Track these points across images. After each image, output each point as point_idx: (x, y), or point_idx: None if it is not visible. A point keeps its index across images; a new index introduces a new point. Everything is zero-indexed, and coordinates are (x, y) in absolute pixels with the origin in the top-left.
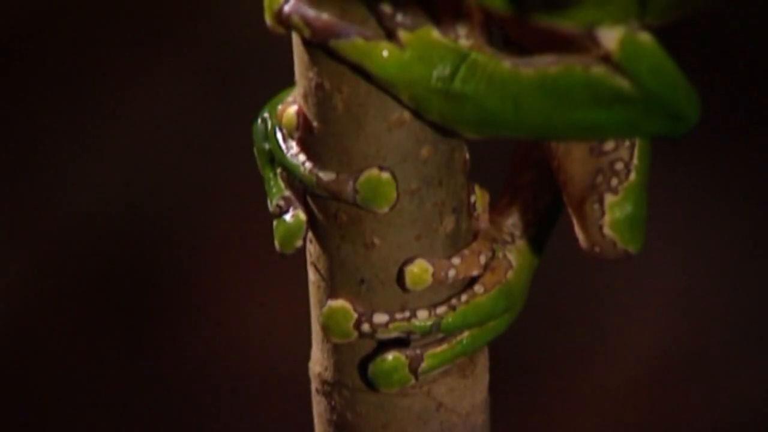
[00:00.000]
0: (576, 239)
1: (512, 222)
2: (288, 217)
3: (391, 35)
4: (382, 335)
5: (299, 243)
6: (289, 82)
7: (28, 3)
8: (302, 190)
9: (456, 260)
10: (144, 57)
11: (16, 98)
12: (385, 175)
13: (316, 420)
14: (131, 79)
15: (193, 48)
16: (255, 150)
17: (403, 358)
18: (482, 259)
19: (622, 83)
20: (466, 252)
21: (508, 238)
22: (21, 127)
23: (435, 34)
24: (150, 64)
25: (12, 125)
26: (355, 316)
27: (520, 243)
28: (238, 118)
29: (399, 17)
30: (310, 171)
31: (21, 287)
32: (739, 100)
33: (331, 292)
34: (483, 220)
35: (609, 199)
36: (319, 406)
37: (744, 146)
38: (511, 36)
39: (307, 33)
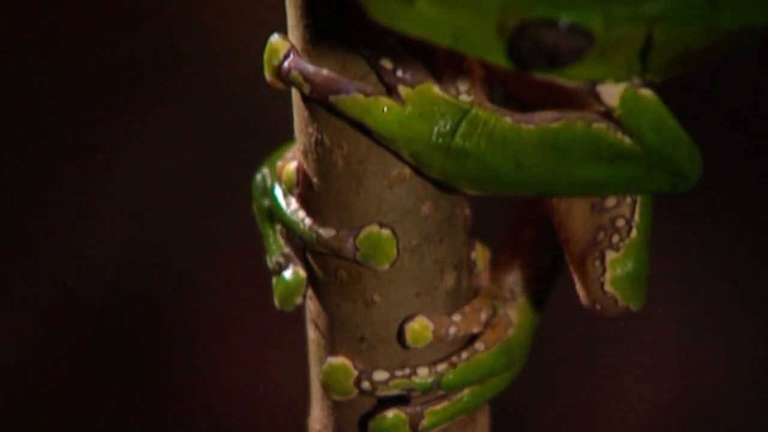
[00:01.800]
0: (576, 294)
1: (513, 279)
2: (287, 274)
3: (391, 91)
4: (383, 393)
5: (299, 300)
6: (288, 138)
7: (27, 59)
8: (302, 246)
9: (457, 317)
10: (143, 112)
11: (15, 154)
12: (386, 232)
13: None
14: (129, 134)
15: (191, 103)
16: (254, 206)
17: (403, 415)
18: (483, 317)
19: (624, 139)
20: (466, 309)
21: (509, 295)
22: (20, 182)
23: (436, 89)
24: (149, 120)
25: (12, 180)
26: (356, 373)
27: (521, 300)
28: (236, 173)
29: (399, 73)
30: (310, 228)
31: (20, 342)
32: (738, 156)
33: (331, 350)
34: (484, 277)
35: (610, 256)
36: None
37: (741, 201)
38: (512, 92)
39: (306, 89)
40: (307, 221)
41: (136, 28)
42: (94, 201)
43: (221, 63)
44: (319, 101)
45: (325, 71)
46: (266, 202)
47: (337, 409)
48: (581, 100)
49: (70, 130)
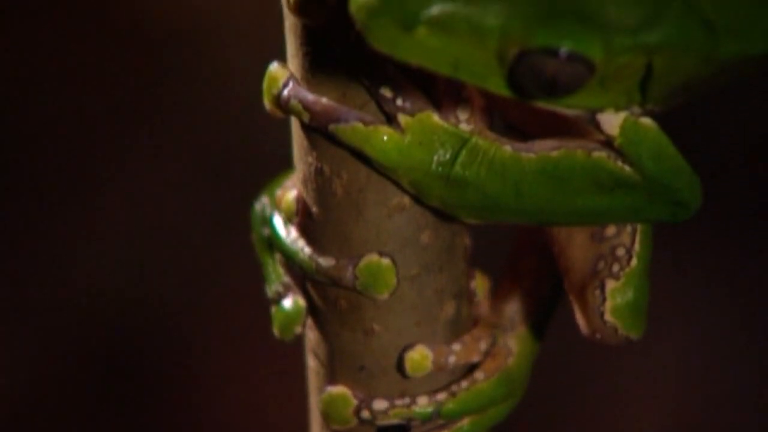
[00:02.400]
0: (576, 323)
1: (513, 308)
2: (287, 303)
3: (391, 119)
4: (382, 422)
5: (298, 329)
6: (286, 166)
7: (27, 85)
8: (301, 275)
9: (456, 346)
10: (141, 141)
11: (14, 184)
12: (385, 261)
13: None
14: (127, 163)
15: (189, 132)
16: (253, 235)
17: None
18: (483, 346)
19: (624, 168)
20: (466, 338)
21: (509, 325)
22: (20, 212)
23: (435, 118)
24: (147, 149)
25: (11, 209)
26: (355, 402)
27: (521, 329)
28: (234, 202)
29: (399, 101)
30: (310, 257)
31: (18, 369)
32: (737, 184)
33: (331, 379)
34: (483, 307)
35: (610, 285)
36: None
37: (742, 230)
38: (512, 120)
39: (306, 117)
40: (307, 250)
41: (133, 56)
42: (92, 229)
43: (219, 91)
44: (318, 130)
45: (324, 100)
46: (265, 231)
47: None
48: (581, 128)
49: (68, 158)
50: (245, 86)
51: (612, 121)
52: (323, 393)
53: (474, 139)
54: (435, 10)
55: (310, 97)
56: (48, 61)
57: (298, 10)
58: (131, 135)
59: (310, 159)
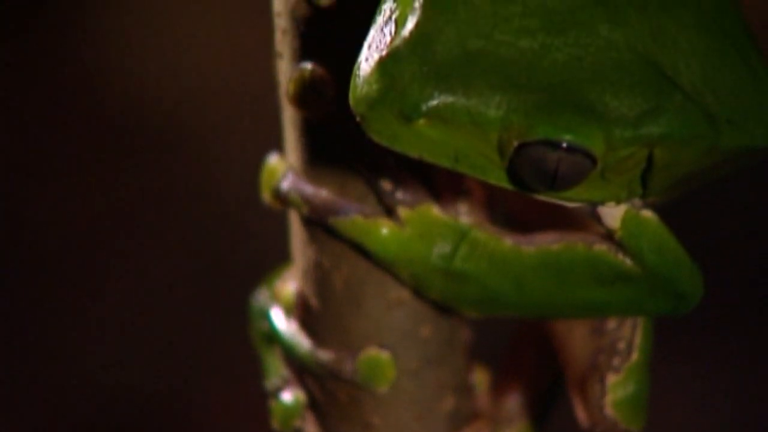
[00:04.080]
0: (576, 416)
1: (513, 402)
2: (286, 397)
3: (390, 212)
4: None
5: (298, 423)
6: (285, 259)
7: (26, 186)
8: (300, 368)
9: None
10: (142, 237)
11: (13, 281)
12: (385, 355)
13: None
14: (128, 259)
15: (189, 224)
16: (252, 328)
17: None
18: None
19: (625, 261)
20: None
21: (509, 419)
22: (25, 307)
23: (435, 211)
24: (148, 244)
25: (15, 304)
26: None
27: (521, 423)
28: (233, 294)
29: (398, 194)
30: (309, 350)
31: None
32: (739, 277)
33: None
34: (483, 400)
35: (611, 378)
36: None
37: (743, 320)
38: (513, 211)
39: (305, 210)
40: (306, 343)
41: (133, 150)
42: (95, 322)
43: (218, 184)
44: (317, 223)
45: (323, 192)
46: (264, 325)
47: None
48: (582, 220)
49: (72, 254)
50: (244, 178)
51: (613, 214)
52: None
53: (474, 233)
54: (435, 101)
55: (309, 189)
56: (51, 159)
57: (298, 102)
58: (133, 230)
59: (309, 252)
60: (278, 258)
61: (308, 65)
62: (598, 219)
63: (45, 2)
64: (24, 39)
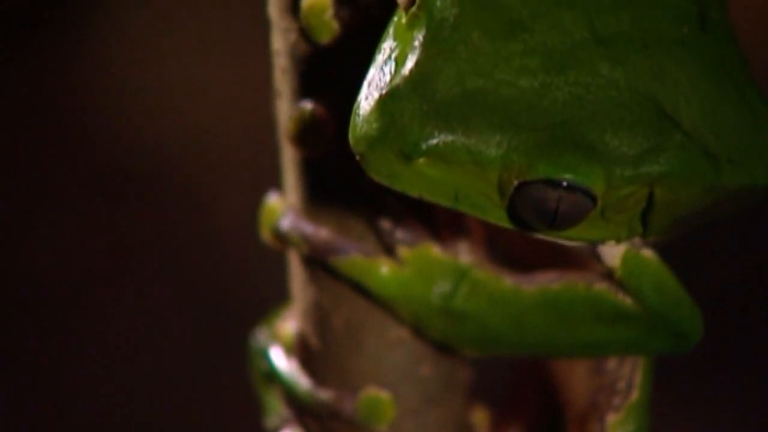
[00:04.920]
0: None
1: None
2: None
3: (390, 251)
4: None
5: None
6: (285, 297)
7: (24, 237)
8: (300, 408)
9: None
10: (139, 275)
11: (14, 313)
12: (385, 394)
13: None
14: (123, 301)
15: (187, 263)
16: (251, 367)
17: None
18: None
19: (625, 300)
20: None
21: None
22: (19, 342)
23: (435, 250)
24: (145, 282)
25: (10, 338)
26: None
27: None
28: (232, 334)
29: (398, 233)
30: (309, 389)
31: None
32: (738, 320)
33: None
34: None
35: (611, 418)
36: None
37: (743, 361)
38: (513, 250)
39: (305, 250)
40: (306, 383)
41: (128, 195)
42: (88, 367)
43: (217, 223)
44: (317, 262)
45: (323, 231)
46: (264, 364)
47: None
48: (582, 259)
49: (66, 291)
50: (242, 217)
51: (613, 253)
52: None
53: (474, 272)
54: (435, 140)
55: (309, 228)
56: (48, 202)
57: (298, 141)
58: (131, 271)
59: (309, 291)
60: (277, 297)
61: (308, 104)
62: (598, 258)
63: (38, 42)
64: (15, 81)
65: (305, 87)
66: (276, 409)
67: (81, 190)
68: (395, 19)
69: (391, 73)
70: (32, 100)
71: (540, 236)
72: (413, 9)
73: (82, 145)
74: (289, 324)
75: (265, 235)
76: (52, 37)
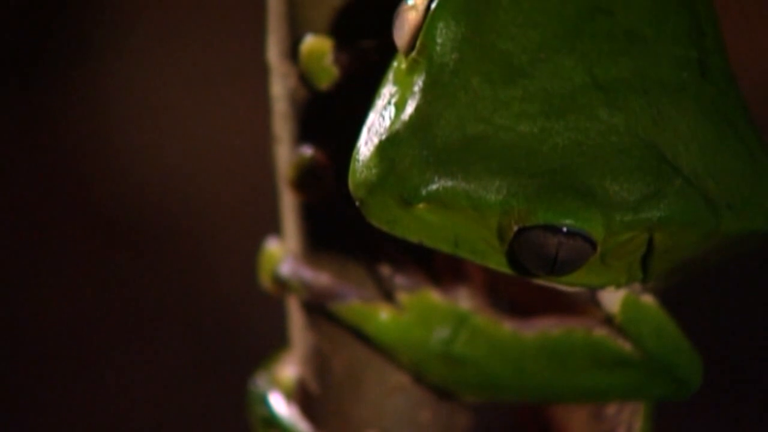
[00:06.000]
0: None
1: None
2: None
3: (390, 297)
4: None
5: None
6: (284, 342)
7: (26, 283)
8: None
9: None
10: (135, 326)
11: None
12: None
13: None
14: (122, 350)
15: (184, 312)
16: (251, 413)
17: None
18: None
19: (624, 346)
20: None
21: None
22: (19, 403)
23: (434, 296)
24: (141, 332)
25: (10, 398)
26: None
27: None
28: (231, 380)
29: (398, 279)
30: None
31: None
32: (738, 364)
33: None
34: None
35: None
36: None
37: (743, 407)
38: (512, 295)
39: (305, 295)
40: (306, 428)
41: (126, 243)
42: (89, 417)
43: (214, 269)
44: (317, 307)
45: (323, 277)
46: (264, 409)
47: None
48: (581, 305)
49: (63, 350)
50: (241, 263)
51: (612, 299)
52: None
53: (473, 318)
54: (434, 186)
55: (308, 274)
56: (46, 253)
57: (297, 187)
58: (129, 318)
59: (308, 336)
60: (277, 342)
61: (307, 150)
62: (597, 304)
63: (31, 91)
64: (12, 134)
65: (304, 132)
66: None
67: (79, 238)
68: (395, 64)
69: (390, 118)
70: (21, 149)
71: (540, 282)
72: (413, 54)
73: (79, 193)
74: (289, 369)
75: (265, 280)
76: (44, 86)
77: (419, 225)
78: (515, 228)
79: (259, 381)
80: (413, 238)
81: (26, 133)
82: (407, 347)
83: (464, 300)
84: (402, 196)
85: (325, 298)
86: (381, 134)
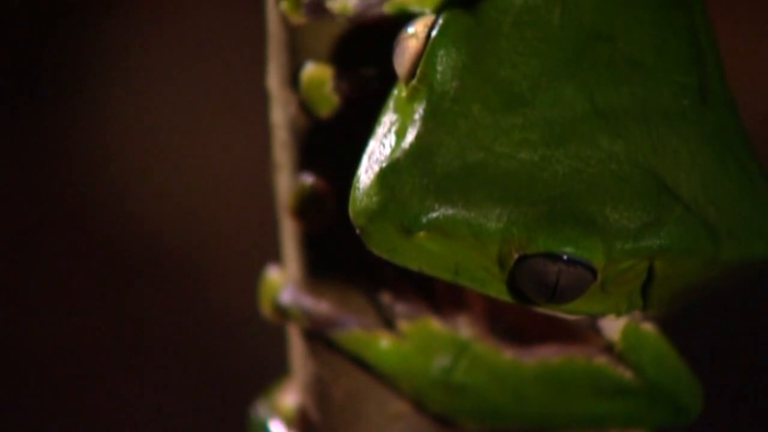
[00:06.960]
0: None
1: None
2: None
3: (390, 325)
4: None
5: None
6: (284, 371)
7: (26, 307)
8: None
9: None
10: (135, 356)
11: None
12: None
13: None
14: (122, 378)
15: (185, 341)
16: None
17: None
18: None
19: (625, 374)
20: None
21: None
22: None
23: (435, 324)
24: (142, 361)
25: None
26: None
27: None
28: (231, 409)
29: (398, 307)
30: None
31: None
32: (739, 391)
33: None
34: None
35: None
36: None
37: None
38: (513, 323)
39: (305, 323)
40: None
41: (126, 273)
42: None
43: (214, 299)
44: (317, 336)
45: (323, 305)
46: None
47: None
48: (582, 333)
49: (64, 378)
50: (241, 291)
51: (613, 327)
52: None
53: (473, 346)
54: (435, 214)
55: (309, 302)
56: (45, 282)
57: (298, 215)
58: (130, 348)
59: (309, 365)
60: (277, 370)
61: (308, 178)
62: (598, 331)
63: (35, 119)
64: (8, 159)
65: (305, 160)
66: None
67: (76, 264)
68: (395, 92)
69: (391, 146)
70: (18, 174)
71: (540, 310)
72: (413, 82)
73: (77, 219)
74: (290, 397)
75: (265, 308)
76: (42, 113)
77: (419, 253)
78: (516, 256)
79: (260, 408)
80: (413, 266)
81: (22, 158)
82: (407, 375)
83: (464, 328)
84: (402, 224)
85: (326, 326)
86: (381, 162)
